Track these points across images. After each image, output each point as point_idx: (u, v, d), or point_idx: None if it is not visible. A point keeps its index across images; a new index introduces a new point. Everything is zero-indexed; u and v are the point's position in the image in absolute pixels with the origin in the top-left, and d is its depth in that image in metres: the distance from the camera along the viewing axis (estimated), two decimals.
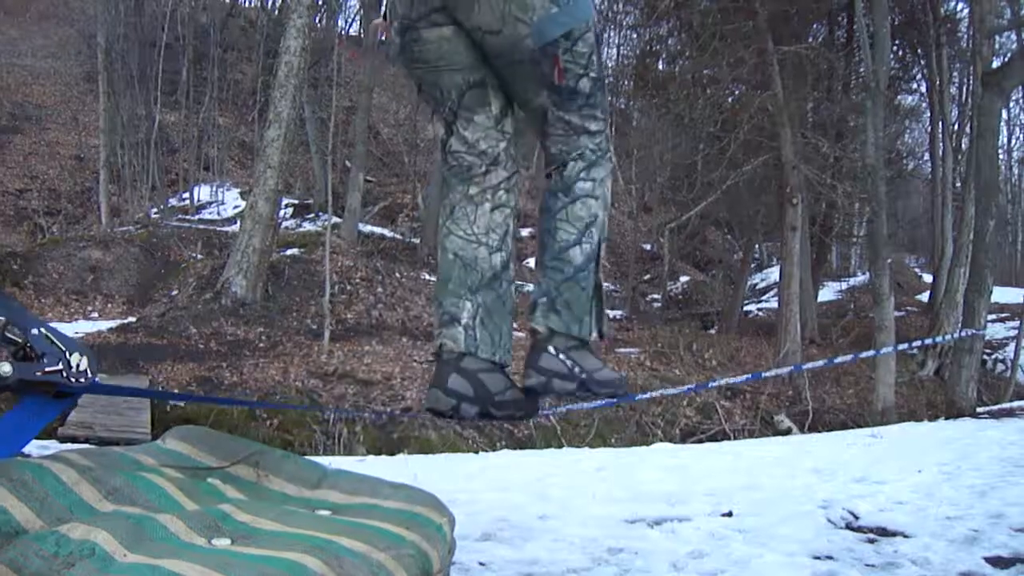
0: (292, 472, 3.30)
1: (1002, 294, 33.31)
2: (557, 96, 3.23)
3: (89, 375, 3.42)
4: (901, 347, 12.34)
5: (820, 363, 12.58)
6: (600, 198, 3.32)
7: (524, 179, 48.75)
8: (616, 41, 46.93)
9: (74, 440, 10.96)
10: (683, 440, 16.42)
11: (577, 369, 3.28)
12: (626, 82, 40.07)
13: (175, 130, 38.79)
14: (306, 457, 3.70)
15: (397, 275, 27.20)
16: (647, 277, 41.08)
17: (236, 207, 33.13)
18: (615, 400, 3.11)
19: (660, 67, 31.79)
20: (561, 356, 3.29)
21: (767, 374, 14.63)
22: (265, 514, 2.80)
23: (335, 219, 27.82)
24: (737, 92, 27.48)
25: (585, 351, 3.32)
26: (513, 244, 3.40)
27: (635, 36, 34.25)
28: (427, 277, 29.19)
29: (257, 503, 2.97)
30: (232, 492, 3.07)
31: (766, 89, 24.06)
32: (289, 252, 25.99)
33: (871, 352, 14.37)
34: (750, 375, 16.56)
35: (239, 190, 35.34)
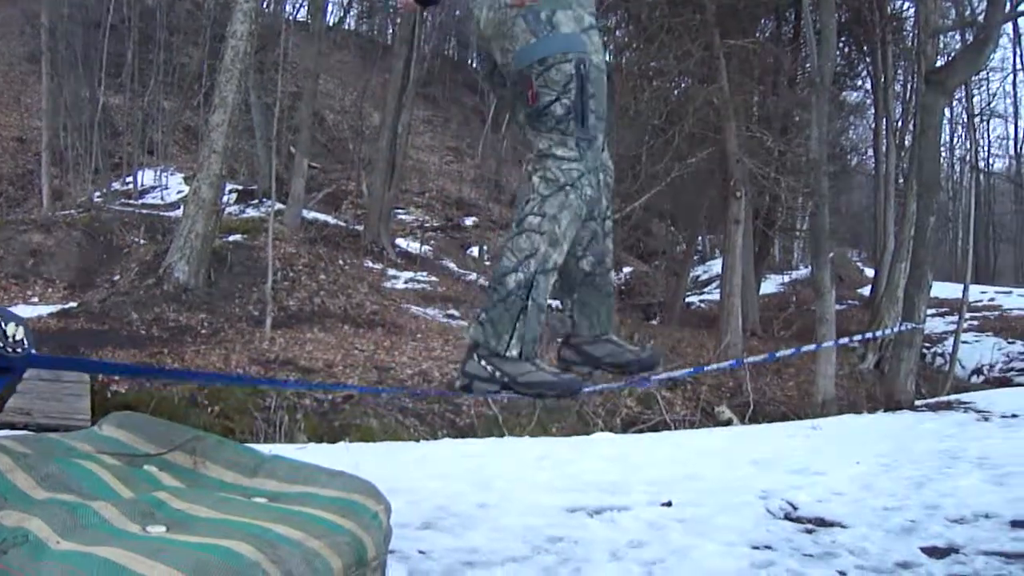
0: (229, 459, 3.28)
1: (942, 289, 33.62)
2: (531, 116, 3.56)
3: (26, 345, 3.38)
4: (842, 341, 12.44)
5: (761, 358, 12.68)
6: (546, 233, 3.53)
7: (470, 167, 48.61)
8: None
9: (12, 427, 10.82)
10: (624, 430, 16.43)
11: (498, 374, 3.62)
12: None
13: (119, 113, 38.30)
14: (244, 444, 3.68)
15: (340, 262, 27.09)
16: None
17: (180, 192, 32.76)
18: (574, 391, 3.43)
19: (607, 59, 31.84)
20: (483, 362, 3.64)
21: (708, 368, 14.71)
22: (201, 501, 2.79)
23: (279, 205, 27.67)
24: (683, 85, 27.59)
25: (507, 360, 3.60)
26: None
27: None
28: (370, 265, 29.09)
29: (193, 490, 2.95)
30: (168, 479, 3.05)
31: (712, 82, 24.14)
32: (232, 238, 25.72)
33: (812, 347, 14.47)
34: (692, 368, 16.58)
35: (183, 175, 34.94)
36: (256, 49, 25.35)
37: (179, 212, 25.75)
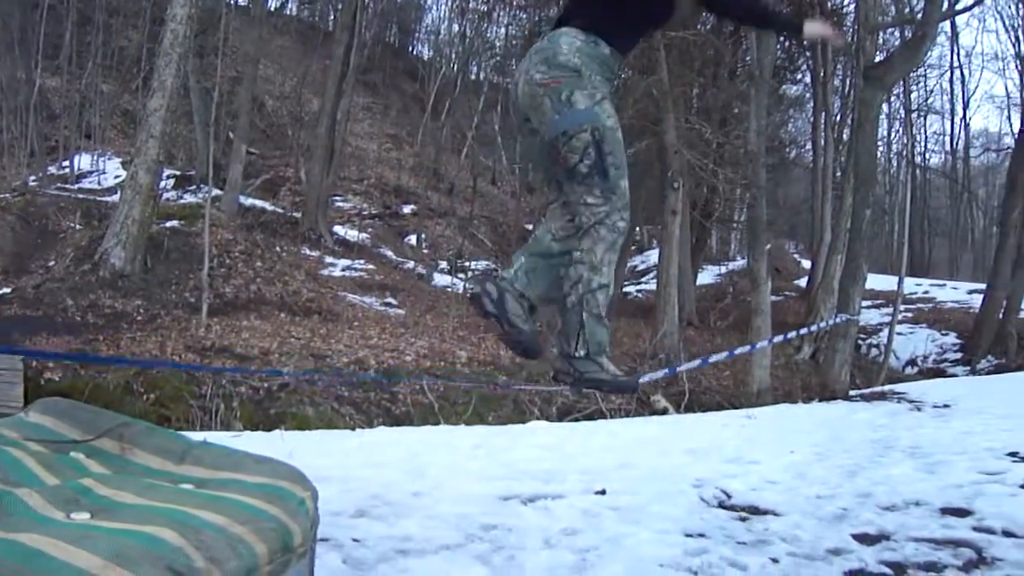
0: (157, 445, 3.26)
1: (878, 281, 34.04)
2: (565, 175, 4.53)
3: None
4: (777, 339, 12.58)
5: (695, 363, 12.71)
6: (586, 263, 4.50)
7: (409, 155, 48.53)
8: (505, 21, 47.06)
9: None
10: (560, 419, 16.40)
11: (572, 369, 4.59)
12: (513, 63, 40.21)
13: (56, 96, 37.84)
14: (173, 431, 3.66)
15: (277, 249, 26.96)
16: None
17: (117, 177, 32.42)
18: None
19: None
20: (563, 361, 4.63)
21: (648, 377, 14.62)
22: (127, 488, 2.77)
23: (216, 191, 27.46)
24: (623, 76, 27.64)
25: (582, 360, 4.57)
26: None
27: (524, 16, 34.31)
28: (307, 252, 28.99)
29: (120, 477, 2.93)
30: (95, 466, 3.02)
31: (652, 74, 24.21)
32: (169, 224, 25.45)
33: (747, 348, 14.47)
34: (701, 359, 16.51)
35: (121, 160, 34.61)
36: (196, 33, 25.14)
37: (116, 197, 25.53)
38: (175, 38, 21.67)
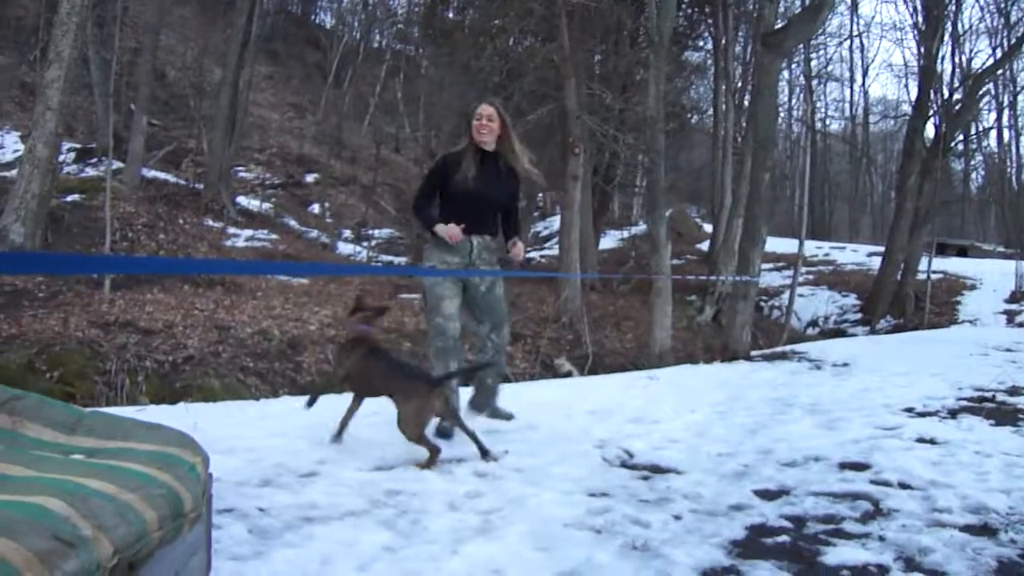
0: (49, 417, 3.26)
1: (780, 244, 34.63)
2: None
3: None
4: (675, 277, 12.87)
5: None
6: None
7: (311, 124, 48.09)
8: None
9: None
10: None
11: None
12: (415, 30, 40.08)
13: None
14: (66, 403, 3.66)
15: (180, 221, 26.67)
16: None
17: (16, 151, 31.92)
18: None
19: (449, 16, 31.88)
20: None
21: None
22: (17, 460, 2.78)
23: (118, 164, 27.11)
24: (525, 43, 27.67)
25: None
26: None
27: None
28: (210, 223, 28.68)
29: (11, 451, 2.93)
30: None
31: (553, 40, 24.26)
32: (70, 198, 25.09)
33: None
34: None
35: (19, 133, 34.04)
36: (95, 3, 24.73)
37: (15, 172, 25.12)
38: (72, 7, 21.28)
